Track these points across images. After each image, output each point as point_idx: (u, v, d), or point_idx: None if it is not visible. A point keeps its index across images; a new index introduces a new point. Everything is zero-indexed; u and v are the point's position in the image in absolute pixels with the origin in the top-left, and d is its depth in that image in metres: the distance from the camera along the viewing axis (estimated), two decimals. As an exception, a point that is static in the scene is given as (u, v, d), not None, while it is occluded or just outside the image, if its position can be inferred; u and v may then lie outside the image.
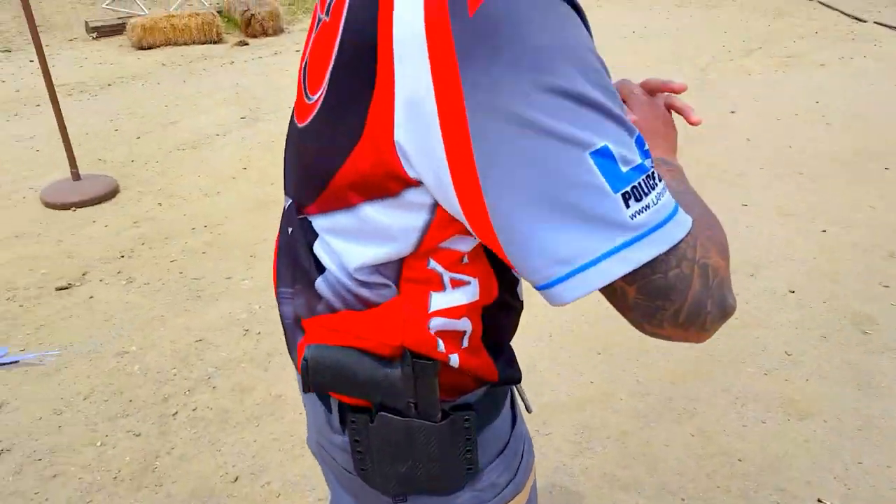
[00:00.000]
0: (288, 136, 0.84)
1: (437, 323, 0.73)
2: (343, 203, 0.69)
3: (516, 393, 0.94)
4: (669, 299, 0.58)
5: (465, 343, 0.75)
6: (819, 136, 4.56)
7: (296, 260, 0.81)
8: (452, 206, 0.61)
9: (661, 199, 0.57)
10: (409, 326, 0.73)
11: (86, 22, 7.61)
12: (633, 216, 0.56)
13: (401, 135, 0.59)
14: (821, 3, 8.60)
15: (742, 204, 3.68)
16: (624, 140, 0.56)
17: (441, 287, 0.72)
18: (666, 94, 0.89)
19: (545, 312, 2.77)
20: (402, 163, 0.61)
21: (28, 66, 6.27)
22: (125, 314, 2.93)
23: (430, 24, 0.56)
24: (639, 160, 0.57)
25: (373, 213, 0.66)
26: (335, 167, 0.67)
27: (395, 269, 0.70)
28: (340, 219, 0.70)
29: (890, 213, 3.57)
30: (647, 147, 0.59)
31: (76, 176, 3.87)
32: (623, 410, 2.32)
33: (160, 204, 3.89)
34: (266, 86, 5.92)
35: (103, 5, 8.09)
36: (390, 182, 0.63)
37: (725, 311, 0.61)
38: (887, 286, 2.96)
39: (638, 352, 2.58)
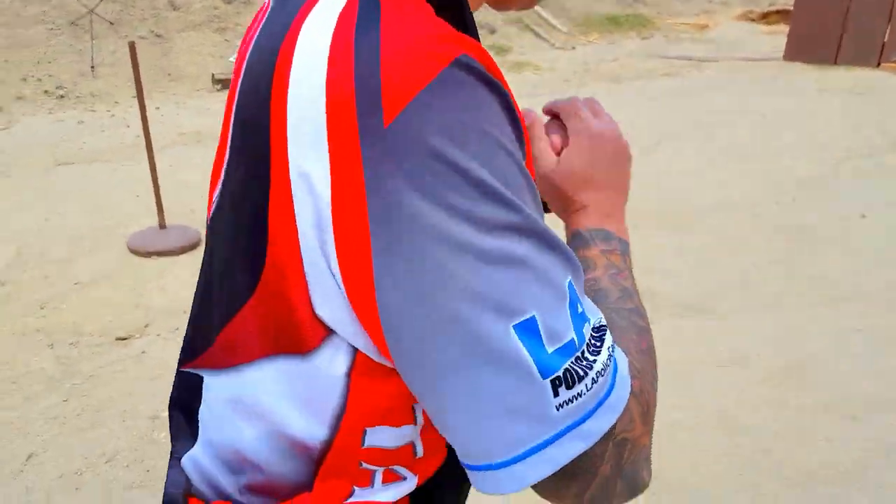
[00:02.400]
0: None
1: None
2: (249, 353, 0.56)
3: None
4: (574, 480, 0.50)
5: None
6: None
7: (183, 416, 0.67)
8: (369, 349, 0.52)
9: (596, 381, 0.48)
10: None
11: (212, 74, 8.12)
12: (559, 406, 0.47)
13: (307, 252, 0.49)
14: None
15: (856, 328, 3.21)
16: (553, 304, 0.47)
17: (368, 482, 0.59)
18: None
19: None
20: (314, 302, 0.50)
21: (154, 113, 6.71)
22: (170, 375, 2.90)
23: (336, 138, 0.46)
24: (571, 334, 0.48)
25: (284, 370, 0.54)
26: (235, 307, 0.55)
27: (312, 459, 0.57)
28: (245, 379, 0.57)
29: None
30: (581, 310, 0.49)
31: (162, 225, 3.98)
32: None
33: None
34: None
35: (230, 59, 8.64)
36: (301, 327, 0.52)
37: (636, 488, 0.53)
38: None
39: None
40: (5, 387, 2.83)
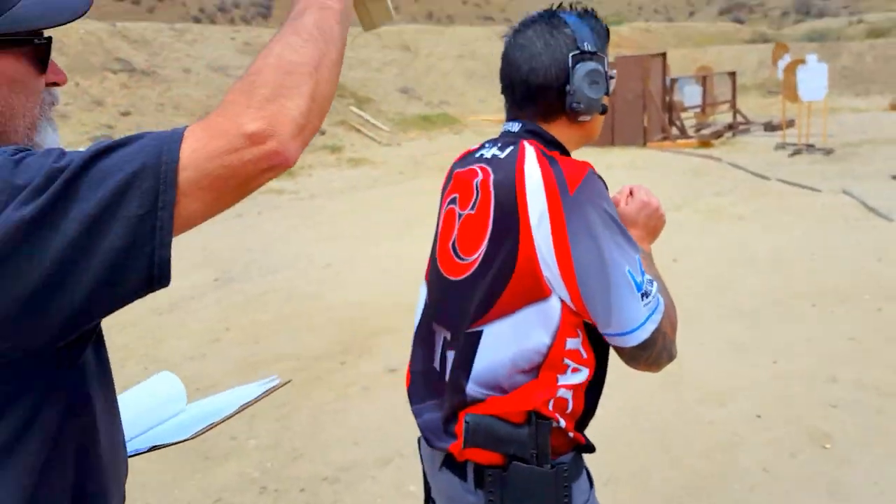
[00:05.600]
0: (435, 284, 1.32)
1: (558, 394, 1.15)
2: (509, 310, 1.14)
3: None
4: (647, 350, 1.13)
5: (569, 409, 1.18)
6: (751, 280, 5.12)
7: (440, 378, 1.25)
8: (563, 293, 1.12)
9: (652, 301, 1.12)
10: (537, 400, 1.14)
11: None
12: (644, 306, 1.11)
13: (540, 257, 1.11)
14: (729, 164, 9.72)
15: (699, 343, 4.08)
16: (634, 264, 1.12)
17: (564, 371, 1.16)
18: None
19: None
20: (542, 270, 1.11)
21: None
22: (139, 478, 2.98)
23: (550, 200, 1.11)
24: (641, 278, 1.11)
25: (529, 313, 1.14)
26: (500, 290, 1.14)
27: (538, 363, 1.15)
28: (506, 323, 1.15)
29: (825, 344, 4.03)
30: (641, 268, 1.13)
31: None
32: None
33: (146, 368, 3.99)
34: (236, 247, 6.19)
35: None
36: (540, 289, 1.12)
37: (671, 357, 1.18)
38: (835, 406, 3.34)
39: None
40: None
